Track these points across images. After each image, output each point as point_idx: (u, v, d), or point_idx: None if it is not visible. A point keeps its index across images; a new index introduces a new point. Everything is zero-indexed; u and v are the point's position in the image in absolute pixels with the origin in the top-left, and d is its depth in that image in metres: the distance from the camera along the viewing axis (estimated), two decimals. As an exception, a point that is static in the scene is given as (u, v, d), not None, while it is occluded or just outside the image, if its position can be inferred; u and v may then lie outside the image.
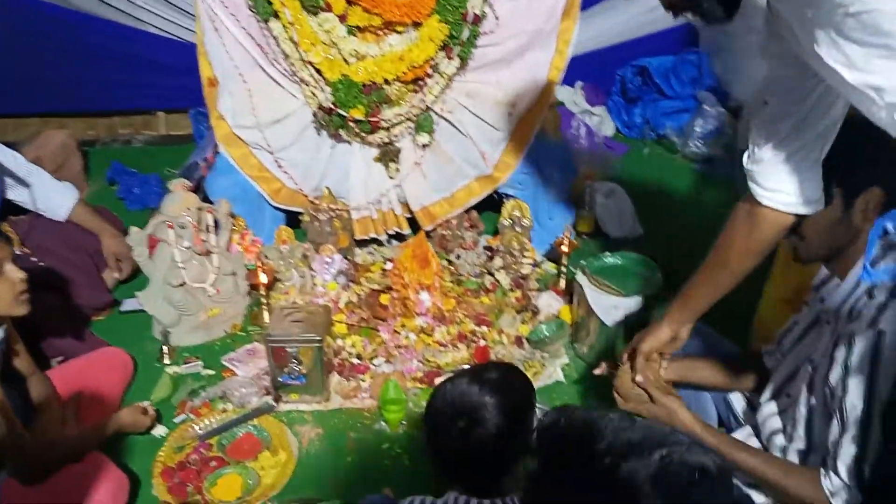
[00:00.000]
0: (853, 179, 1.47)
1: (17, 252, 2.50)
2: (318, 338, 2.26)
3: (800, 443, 1.60)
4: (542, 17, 2.84)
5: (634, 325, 2.47)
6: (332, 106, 2.76)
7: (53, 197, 2.67)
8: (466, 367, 2.41)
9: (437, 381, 2.32)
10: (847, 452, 1.42)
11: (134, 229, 2.62)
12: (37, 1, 3.52)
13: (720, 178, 3.74)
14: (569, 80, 4.13)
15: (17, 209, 2.66)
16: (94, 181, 3.61)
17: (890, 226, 1.45)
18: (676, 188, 3.78)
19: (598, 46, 4.19)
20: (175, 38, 3.88)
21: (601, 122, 4.25)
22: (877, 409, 1.36)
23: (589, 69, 4.16)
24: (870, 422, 1.38)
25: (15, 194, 2.61)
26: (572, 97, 4.32)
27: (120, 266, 2.79)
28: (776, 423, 1.72)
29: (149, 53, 3.89)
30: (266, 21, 2.69)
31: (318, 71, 2.74)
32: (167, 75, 3.96)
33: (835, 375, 1.44)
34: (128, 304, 2.77)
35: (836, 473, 1.44)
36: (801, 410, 1.59)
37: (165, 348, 2.54)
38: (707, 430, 1.69)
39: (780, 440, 1.68)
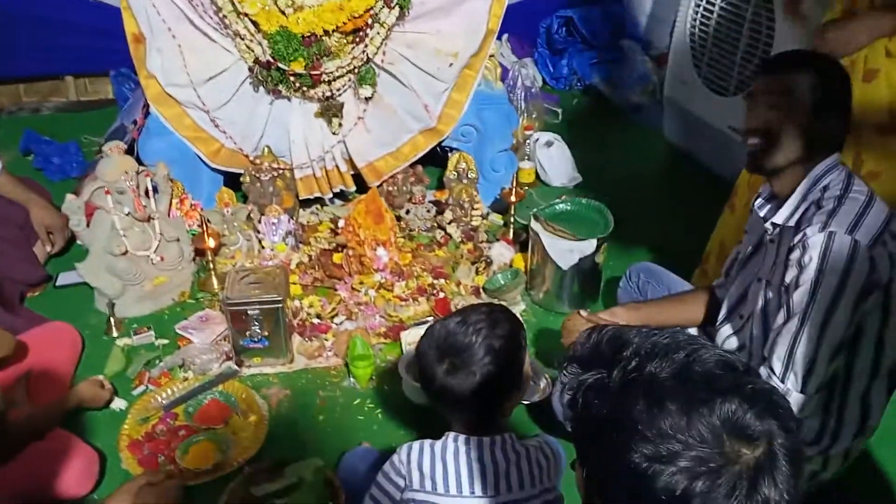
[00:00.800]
0: None
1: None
2: (278, 298, 2.21)
3: (756, 356, 1.68)
4: (478, -37, 2.80)
5: (587, 269, 2.54)
6: (270, 59, 2.65)
7: None
8: (431, 318, 2.41)
9: (403, 334, 2.34)
10: (784, 340, 1.51)
11: (70, 196, 2.45)
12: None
13: (648, 125, 3.83)
14: (495, 33, 4.11)
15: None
16: (6, 152, 3.37)
17: None
18: (608, 136, 3.86)
19: (523, -3, 4.19)
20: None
21: (529, 74, 4.26)
22: (818, 302, 1.46)
23: (514, 21, 4.14)
24: (808, 313, 1.47)
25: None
26: (499, 50, 4.30)
27: (51, 239, 2.63)
28: (733, 342, 1.81)
29: (54, 14, 3.65)
30: (195, -28, 2.55)
31: (254, 23, 2.62)
32: (75, 37, 3.72)
33: (790, 275, 1.53)
34: (64, 278, 2.62)
35: (769, 364, 1.53)
36: (757, 321, 1.67)
37: (112, 320, 2.42)
38: None
39: None
